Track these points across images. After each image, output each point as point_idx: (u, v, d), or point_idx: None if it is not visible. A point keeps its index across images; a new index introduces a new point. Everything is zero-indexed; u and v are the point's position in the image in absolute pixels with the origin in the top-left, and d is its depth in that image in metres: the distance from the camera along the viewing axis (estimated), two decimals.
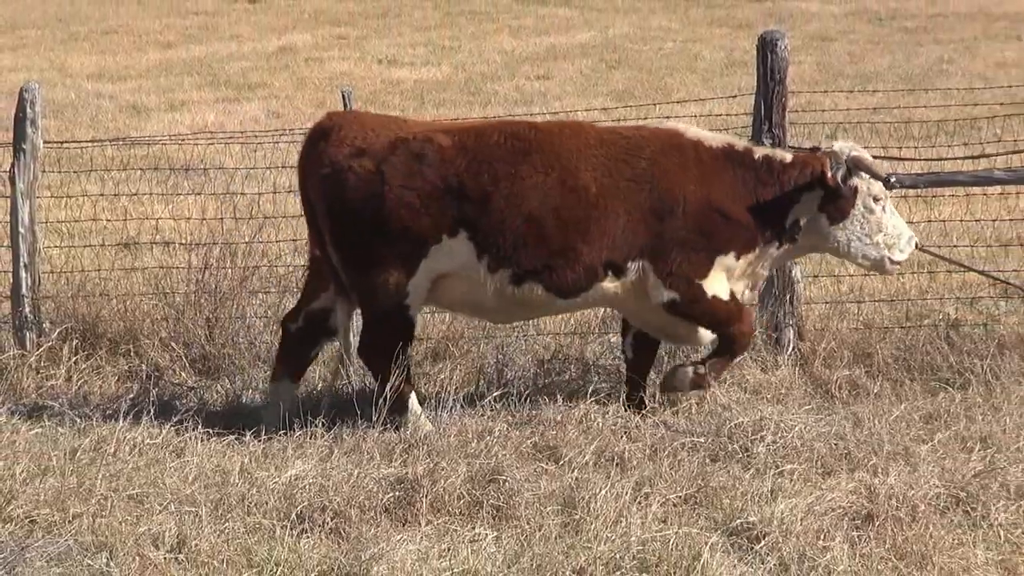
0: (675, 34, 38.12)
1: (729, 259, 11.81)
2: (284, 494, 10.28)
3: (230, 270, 14.23)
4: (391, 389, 11.89)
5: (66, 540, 9.66)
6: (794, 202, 11.83)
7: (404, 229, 11.76)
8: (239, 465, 10.88)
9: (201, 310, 13.93)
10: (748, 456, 10.72)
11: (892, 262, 12.03)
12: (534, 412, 11.63)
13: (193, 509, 10.04)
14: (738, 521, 9.60)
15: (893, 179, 12.03)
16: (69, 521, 9.90)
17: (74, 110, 24.90)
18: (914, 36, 36.71)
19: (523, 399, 11.98)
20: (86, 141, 18.65)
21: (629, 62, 32.61)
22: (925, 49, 33.82)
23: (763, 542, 9.33)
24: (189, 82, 30.42)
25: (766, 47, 13.64)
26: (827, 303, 14.02)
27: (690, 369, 11.96)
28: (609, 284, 11.87)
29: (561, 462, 10.68)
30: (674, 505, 9.91)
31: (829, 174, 11.70)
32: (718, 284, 11.84)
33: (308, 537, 9.67)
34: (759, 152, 12.06)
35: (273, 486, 10.41)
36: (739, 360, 12.28)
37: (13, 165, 14.17)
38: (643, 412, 11.90)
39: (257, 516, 9.97)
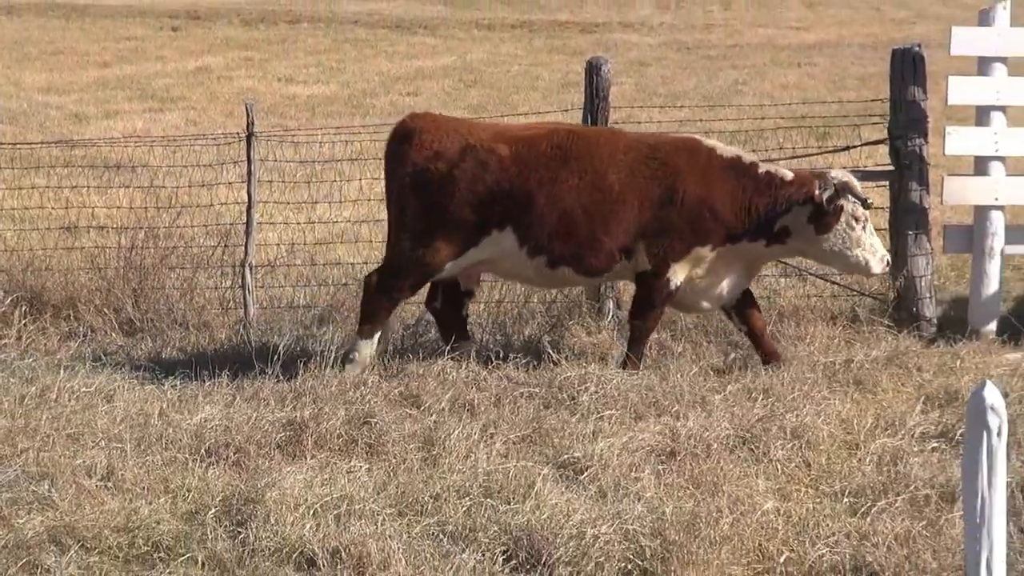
0: (521, 59, 38.19)
1: (705, 250, 11.82)
2: (195, 433, 10.27)
3: (152, 250, 14.22)
4: (372, 323, 12.00)
5: (15, 470, 9.63)
6: (785, 212, 11.80)
7: (464, 222, 11.80)
8: (159, 409, 10.88)
9: (129, 282, 13.89)
10: (574, 404, 10.74)
11: (868, 274, 12.27)
12: (401, 366, 11.62)
13: (120, 445, 10.02)
14: (566, 456, 9.65)
15: (870, 201, 12.03)
16: (17, 455, 9.87)
17: (26, 117, 24.68)
18: (715, 63, 36.95)
19: (392, 356, 11.97)
20: (36, 143, 18.56)
21: (483, 82, 32.63)
22: (723, 73, 34.03)
23: (586, 473, 9.37)
24: (122, 95, 30.21)
25: (592, 70, 13.69)
26: None
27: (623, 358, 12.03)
28: (622, 264, 11.94)
29: (422, 408, 10.68)
30: (514, 443, 9.93)
31: (817, 193, 11.70)
32: (680, 273, 11.88)
33: (215, 468, 9.66)
34: (764, 167, 12.05)
35: (186, 426, 10.41)
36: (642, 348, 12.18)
37: None
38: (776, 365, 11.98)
39: (173, 451, 9.96)
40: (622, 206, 11.76)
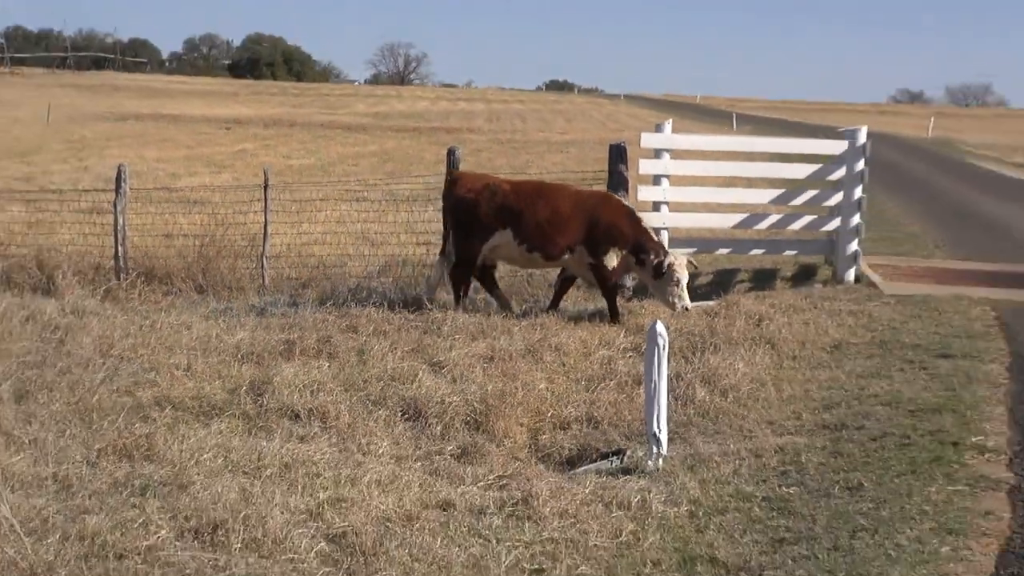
0: (413, 147, 37.87)
1: (617, 250, 11.65)
2: (235, 346, 10.17)
3: (213, 247, 14.06)
4: (457, 288, 12.10)
5: (136, 365, 9.53)
6: (646, 253, 11.61)
7: (483, 225, 11.80)
8: (215, 333, 10.71)
9: (199, 264, 13.70)
10: (440, 331, 10.66)
11: (673, 309, 11.63)
12: (347, 311, 11.50)
13: (194, 352, 9.90)
14: (435, 359, 9.64)
15: (697, 269, 12.14)
16: (138, 357, 9.75)
17: (145, 175, 24.16)
18: (517, 150, 36.93)
19: (343, 304, 11.87)
20: (151, 188, 18.31)
21: (393, 159, 32.32)
22: (521, 156, 33.94)
23: (445, 369, 9.38)
24: (198, 164, 29.70)
25: (450, 154, 13.56)
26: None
27: (608, 313, 11.71)
28: (567, 256, 11.78)
29: (358, 333, 10.57)
30: (407, 352, 9.86)
31: (651, 258, 11.59)
32: (611, 261, 11.67)
33: (245, 365, 9.57)
34: (644, 222, 11.89)
35: (231, 342, 10.32)
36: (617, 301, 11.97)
37: (115, 200, 13.88)
38: (554, 312, 11.82)
39: (223, 356, 9.85)
40: (570, 223, 11.67)
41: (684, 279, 11.65)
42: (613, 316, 11.66)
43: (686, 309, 11.64)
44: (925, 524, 6.48)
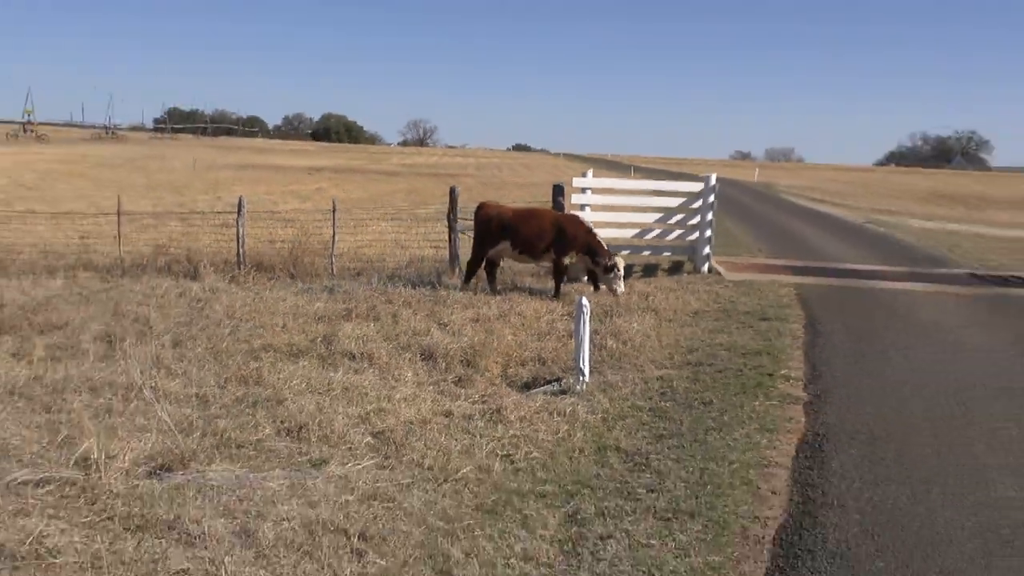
0: (429, 188, 37.57)
1: (572, 253, 11.26)
2: (314, 312, 9.93)
3: (300, 248, 13.77)
4: (469, 275, 11.58)
5: (250, 324, 9.31)
6: (599, 256, 11.18)
7: (492, 237, 11.39)
8: (301, 303, 10.47)
9: (291, 260, 13.38)
10: (445, 303, 10.49)
11: (616, 294, 11.22)
12: (386, 290, 11.30)
13: (288, 316, 9.70)
14: (442, 321, 9.47)
15: (622, 268, 11.41)
16: (251, 319, 9.49)
17: (257, 203, 23.79)
18: (496, 188, 36.32)
19: (384, 284, 11.70)
20: (260, 211, 17.98)
21: (416, 193, 32.05)
22: (501, 194, 33.52)
23: (448, 327, 9.19)
24: (290, 196, 29.25)
25: (452, 191, 13.36)
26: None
27: (554, 291, 11.36)
28: (544, 255, 11.35)
29: (392, 303, 10.40)
30: (423, 316, 9.70)
31: (604, 260, 11.18)
32: (567, 259, 11.29)
33: (319, 324, 9.35)
34: (598, 236, 11.42)
35: (310, 310, 10.07)
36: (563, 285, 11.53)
37: (237, 218, 13.60)
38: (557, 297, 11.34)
39: (306, 319, 9.62)
40: (546, 235, 11.27)
41: (623, 275, 11.47)
42: (557, 294, 11.47)
43: (622, 294, 11.37)
44: (751, 425, 6.53)
